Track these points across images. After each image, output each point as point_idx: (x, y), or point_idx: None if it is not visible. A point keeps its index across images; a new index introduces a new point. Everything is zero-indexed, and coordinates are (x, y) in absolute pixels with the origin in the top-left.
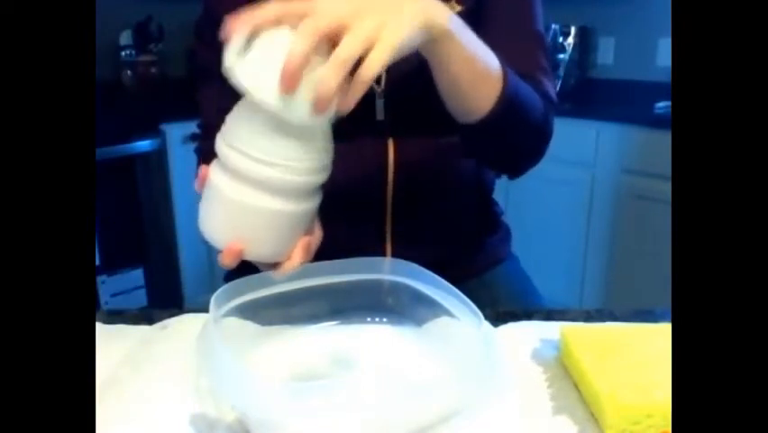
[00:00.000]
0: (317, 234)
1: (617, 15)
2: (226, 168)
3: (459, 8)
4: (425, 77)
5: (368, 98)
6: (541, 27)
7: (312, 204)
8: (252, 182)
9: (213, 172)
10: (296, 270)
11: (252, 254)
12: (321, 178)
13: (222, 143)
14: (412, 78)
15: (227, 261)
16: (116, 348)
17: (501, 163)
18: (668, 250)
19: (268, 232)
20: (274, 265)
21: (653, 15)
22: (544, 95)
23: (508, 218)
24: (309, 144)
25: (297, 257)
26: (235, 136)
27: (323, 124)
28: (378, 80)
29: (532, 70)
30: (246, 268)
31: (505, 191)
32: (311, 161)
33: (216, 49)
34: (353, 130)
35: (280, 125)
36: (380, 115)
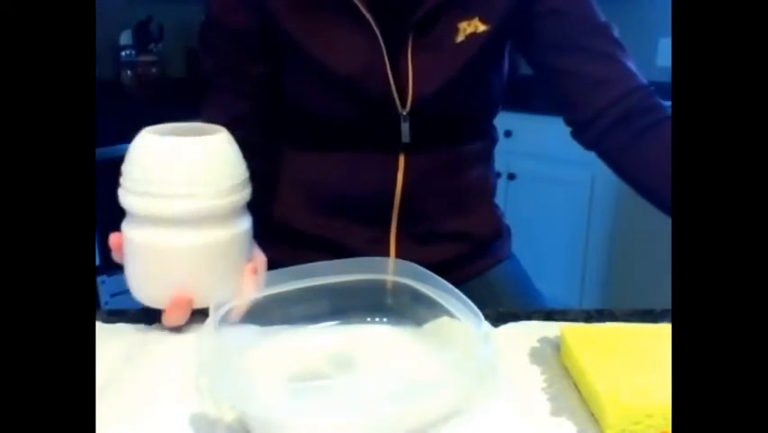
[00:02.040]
0: (260, 258)
1: (617, 15)
2: (141, 220)
3: (483, 27)
4: (447, 98)
5: (393, 122)
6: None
7: (242, 226)
8: (175, 221)
9: (129, 231)
10: (253, 297)
11: (201, 298)
12: (244, 195)
13: (128, 194)
14: (436, 100)
15: (174, 316)
16: (116, 348)
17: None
18: (668, 250)
19: (210, 268)
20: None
21: (653, 15)
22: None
23: (508, 218)
24: (219, 165)
25: (249, 288)
26: (140, 182)
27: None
28: (403, 103)
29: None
30: None
31: (505, 191)
32: (230, 178)
33: (221, 57)
34: (376, 149)
35: (187, 155)
36: (406, 138)
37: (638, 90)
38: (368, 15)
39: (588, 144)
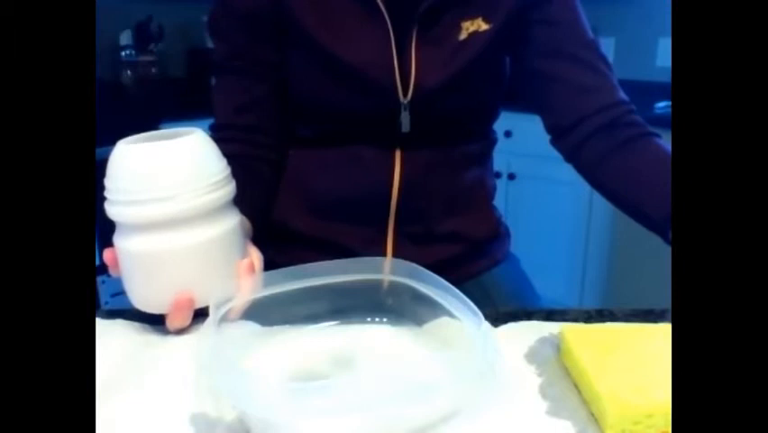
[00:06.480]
0: (257, 256)
1: (617, 15)
2: (130, 229)
3: (486, 27)
4: (448, 93)
5: (393, 111)
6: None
7: (230, 222)
8: (162, 225)
9: (121, 242)
10: (253, 292)
11: (200, 297)
12: (227, 191)
13: (113, 206)
14: (436, 93)
15: (177, 319)
16: (116, 348)
17: None
18: (668, 250)
19: (204, 267)
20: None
21: (653, 15)
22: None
23: (508, 218)
24: (196, 164)
25: (248, 286)
26: (123, 191)
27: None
28: (405, 92)
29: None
30: None
31: (505, 191)
32: (210, 176)
33: (232, 41)
34: (375, 143)
35: (163, 158)
36: (406, 128)
37: (622, 104)
38: (379, 2)
39: (567, 151)
